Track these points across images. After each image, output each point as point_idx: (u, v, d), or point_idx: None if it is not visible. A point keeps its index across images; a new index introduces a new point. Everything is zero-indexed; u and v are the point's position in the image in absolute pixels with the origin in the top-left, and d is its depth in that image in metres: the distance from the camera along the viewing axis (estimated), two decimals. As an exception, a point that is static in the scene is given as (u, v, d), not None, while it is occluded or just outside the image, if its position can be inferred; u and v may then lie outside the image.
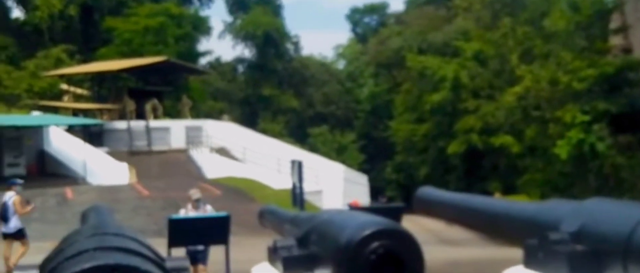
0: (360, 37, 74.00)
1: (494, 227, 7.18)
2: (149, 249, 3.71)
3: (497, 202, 7.86)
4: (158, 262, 3.33)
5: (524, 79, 33.49)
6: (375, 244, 4.81)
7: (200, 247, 9.35)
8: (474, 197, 8.53)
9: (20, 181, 15.86)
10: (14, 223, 14.44)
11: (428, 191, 8.93)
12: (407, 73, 47.87)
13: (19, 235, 14.42)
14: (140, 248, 3.49)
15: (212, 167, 33.44)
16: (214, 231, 7.69)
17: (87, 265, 2.85)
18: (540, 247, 5.41)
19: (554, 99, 31.68)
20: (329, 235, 5.34)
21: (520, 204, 7.30)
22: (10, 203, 14.70)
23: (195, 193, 10.20)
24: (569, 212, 5.61)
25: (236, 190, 27.67)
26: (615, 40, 33.95)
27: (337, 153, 55.62)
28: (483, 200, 7.94)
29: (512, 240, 6.90)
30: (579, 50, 32.49)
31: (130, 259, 3.01)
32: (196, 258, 9.21)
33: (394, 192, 53.24)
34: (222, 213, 8.09)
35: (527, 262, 5.58)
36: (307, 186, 26.70)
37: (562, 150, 29.24)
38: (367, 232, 4.87)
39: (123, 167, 31.00)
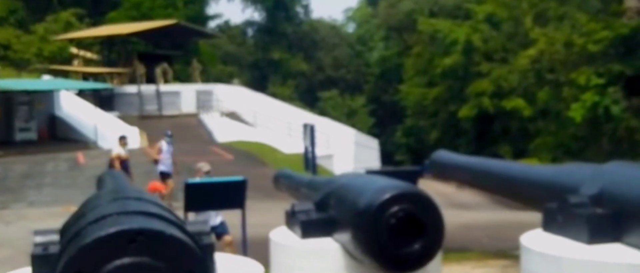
0: (371, 0, 73.42)
1: (511, 190, 7.18)
2: (170, 213, 3.70)
3: (514, 165, 7.85)
4: (181, 226, 3.32)
5: (538, 41, 33.14)
6: (395, 208, 4.79)
7: (218, 221, 9.32)
8: (490, 161, 8.53)
9: (169, 132, 18.61)
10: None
11: (444, 154, 8.96)
12: (418, 36, 47.51)
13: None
14: (163, 213, 3.48)
15: (223, 131, 33.47)
16: (230, 196, 7.69)
17: (112, 230, 2.83)
18: (560, 211, 5.37)
19: (568, 61, 31.33)
20: (348, 199, 5.32)
21: (538, 167, 7.29)
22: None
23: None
24: (588, 176, 5.57)
25: (247, 154, 27.70)
26: (631, 2, 33.51)
27: (347, 118, 55.59)
28: (500, 164, 7.94)
29: (529, 203, 6.88)
30: (594, 12, 32.07)
31: (154, 223, 3.00)
32: (218, 232, 9.22)
33: (403, 156, 53.28)
34: (239, 178, 8.08)
35: (546, 226, 5.56)
36: (318, 150, 26.67)
37: (576, 113, 29.01)
38: (387, 195, 4.85)
39: (134, 131, 31.07)
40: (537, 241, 5.28)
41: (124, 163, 17.57)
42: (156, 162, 17.75)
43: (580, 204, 5.26)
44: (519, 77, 36.10)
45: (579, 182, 5.59)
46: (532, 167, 7.35)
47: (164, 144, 17.73)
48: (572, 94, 30.29)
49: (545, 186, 6.15)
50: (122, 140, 18.46)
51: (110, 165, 17.27)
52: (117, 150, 18.01)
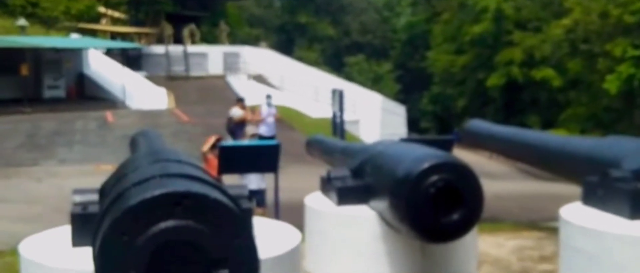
0: (400, -35, 72.55)
1: (549, 162, 7.07)
2: (208, 176, 3.67)
3: (553, 137, 7.73)
4: (223, 189, 3.28)
5: (573, 11, 32.61)
6: (434, 177, 4.72)
7: (257, 186, 9.24)
8: (527, 132, 8.41)
9: (270, 94, 19.39)
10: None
11: (478, 124, 8.84)
12: (446, 3, 46.96)
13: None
14: (203, 176, 3.45)
15: (250, 94, 33.40)
16: (264, 159, 7.64)
17: (157, 192, 2.80)
18: (601, 185, 5.27)
19: (603, 32, 30.79)
20: (386, 167, 5.25)
21: (577, 140, 7.15)
22: None
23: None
24: (630, 149, 5.45)
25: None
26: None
27: (373, 83, 55.26)
28: (537, 135, 7.82)
29: (568, 176, 6.77)
30: (631, -19, 31.53)
31: (198, 186, 2.96)
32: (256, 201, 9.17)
33: (429, 123, 53.03)
34: (273, 142, 8.03)
35: (586, 199, 5.46)
36: (346, 116, 26.57)
37: (611, 84, 28.56)
38: (426, 165, 4.78)
39: (161, 91, 31.16)
40: (578, 215, 5.19)
41: (241, 125, 17.85)
42: (258, 124, 18.06)
43: (623, 179, 5.16)
44: (552, 47, 35.59)
45: (620, 156, 5.47)
46: (570, 139, 7.21)
47: (264, 107, 18.48)
48: (607, 65, 29.82)
49: (585, 159, 6.04)
50: (241, 102, 19.18)
51: (232, 127, 17.68)
52: (240, 113, 18.49)
